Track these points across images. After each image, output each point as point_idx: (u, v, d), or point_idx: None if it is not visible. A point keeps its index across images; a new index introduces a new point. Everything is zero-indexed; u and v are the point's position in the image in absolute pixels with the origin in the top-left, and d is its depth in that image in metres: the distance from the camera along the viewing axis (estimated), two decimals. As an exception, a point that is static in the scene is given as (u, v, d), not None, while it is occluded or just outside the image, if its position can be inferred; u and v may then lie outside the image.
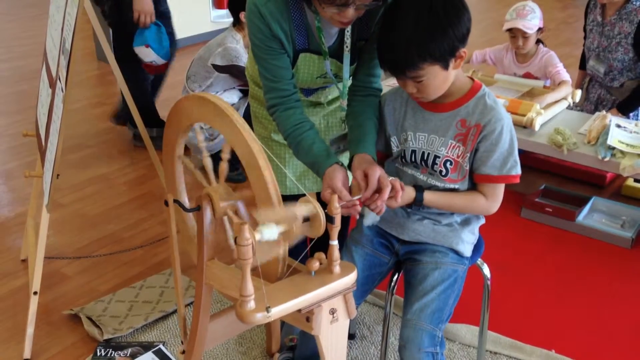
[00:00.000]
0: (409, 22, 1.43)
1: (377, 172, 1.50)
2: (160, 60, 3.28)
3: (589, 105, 3.17)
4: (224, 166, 1.56)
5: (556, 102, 2.95)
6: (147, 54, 3.24)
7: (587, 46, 3.12)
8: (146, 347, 2.11)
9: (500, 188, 1.60)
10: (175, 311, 2.28)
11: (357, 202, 1.50)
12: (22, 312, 2.27)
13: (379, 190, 1.49)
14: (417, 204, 1.57)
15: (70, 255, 2.66)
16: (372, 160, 1.56)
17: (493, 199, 1.60)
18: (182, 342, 1.78)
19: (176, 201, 1.62)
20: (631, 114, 3.01)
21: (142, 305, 2.32)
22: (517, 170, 1.57)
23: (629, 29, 2.85)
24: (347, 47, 1.64)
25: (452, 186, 1.60)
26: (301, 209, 1.32)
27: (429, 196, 1.58)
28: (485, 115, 1.54)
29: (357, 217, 1.56)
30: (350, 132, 1.67)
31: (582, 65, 3.29)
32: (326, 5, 1.45)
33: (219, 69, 3.10)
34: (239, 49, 3.08)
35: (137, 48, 3.24)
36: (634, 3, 2.84)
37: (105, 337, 2.13)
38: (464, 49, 1.48)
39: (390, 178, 1.52)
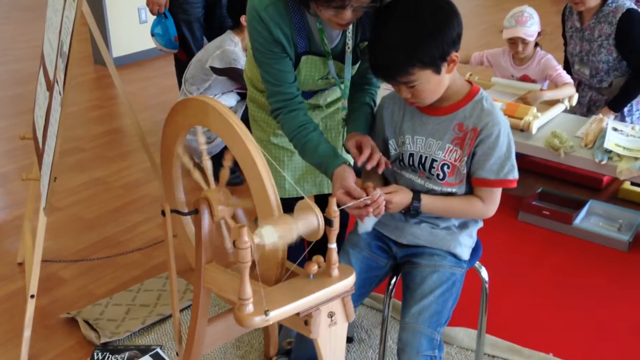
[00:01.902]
0: (396, 28, 1.44)
1: (370, 140, 1.60)
2: (167, 50, 3.49)
3: (581, 108, 3.18)
4: (225, 173, 1.56)
5: (553, 105, 2.97)
6: (154, 43, 3.48)
7: (569, 52, 3.15)
8: (143, 350, 2.10)
9: (497, 192, 1.60)
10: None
11: (368, 202, 1.50)
12: (18, 315, 2.26)
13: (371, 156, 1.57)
14: (414, 208, 1.57)
15: (67, 258, 2.65)
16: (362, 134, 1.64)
17: (490, 203, 1.60)
18: (177, 353, 1.78)
19: (174, 211, 1.61)
20: (627, 118, 3.02)
21: (140, 308, 2.31)
22: (515, 175, 1.57)
23: (608, 30, 2.87)
24: (348, 48, 1.65)
25: (449, 190, 1.60)
26: (301, 218, 1.32)
27: (426, 200, 1.58)
28: (482, 119, 1.54)
29: (365, 219, 1.57)
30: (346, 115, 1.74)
31: (567, 70, 3.30)
32: (323, 7, 1.46)
33: (217, 71, 3.10)
34: (237, 52, 3.08)
35: (151, 36, 3.49)
36: (610, 5, 2.87)
37: (103, 340, 2.12)
38: (456, 53, 1.48)
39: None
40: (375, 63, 1.52)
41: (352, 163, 1.63)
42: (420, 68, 1.44)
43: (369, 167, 1.56)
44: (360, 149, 1.57)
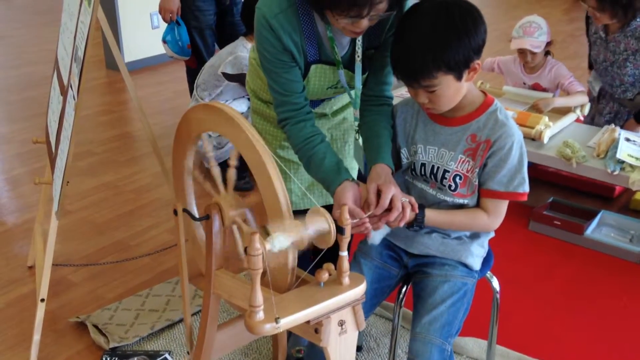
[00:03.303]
0: (425, 29, 1.43)
1: (392, 191, 1.47)
2: (179, 57, 3.51)
3: (601, 119, 3.14)
4: (231, 173, 1.55)
5: (565, 114, 2.95)
6: (166, 50, 3.49)
7: (592, 57, 3.10)
8: (152, 356, 2.10)
9: (504, 205, 1.58)
10: (181, 320, 2.28)
11: (368, 220, 1.48)
12: (28, 318, 2.27)
13: (388, 209, 1.48)
14: (418, 222, 1.55)
15: (77, 262, 2.66)
16: (389, 173, 1.54)
17: (495, 216, 1.58)
18: (187, 352, 1.78)
19: (185, 210, 1.61)
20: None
21: (149, 313, 2.31)
22: (525, 188, 1.55)
23: (636, 45, 2.82)
24: (358, 56, 1.63)
25: (460, 201, 1.59)
26: (312, 224, 1.32)
27: (430, 214, 1.56)
28: (496, 131, 1.53)
29: (369, 235, 1.54)
30: (367, 142, 1.65)
31: (591, 66, 3.26)
32: (340, 17, 1.45)
33: (229, 77, 3.11)
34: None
35: (162, 43, 3.50)
36: (638, 20, 2.82)
37: (111, 345, 2.13)
38: (478, 61, 1.47)
39: (403, 199, 1.49)
40: (400, 64, 1.50)
41: (355, 177, 1.61)
42: (444, 72, 1.43)
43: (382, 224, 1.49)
44: (378, 196, 1.49)
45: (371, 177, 1.54)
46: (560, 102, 2.99)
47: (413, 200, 1.52)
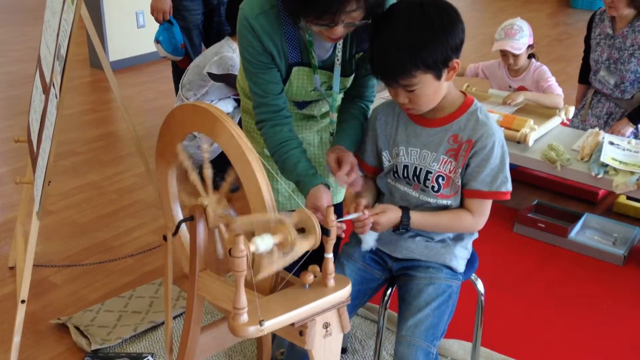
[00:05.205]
0: (402, 28, 1.43)
1: (351, 156, 1.57)
2: (172, 57, 3.47)
3: (595, 120, 3.16)
4: (226, 186, 1.54)
5: (550, 118, 2.97)
6: (159, 50, 3.45)
7: (594, 59, 3.10)
8: (134, 358, 2.08)
9: (488, 204, 1.58)
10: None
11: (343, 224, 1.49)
12: (8, 320, 2.23)
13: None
14: (404, 225, 1.55)
15: (58, 263, 2.63)
16: (345, 149, 1.61)
17: (479, 215, 1.58)
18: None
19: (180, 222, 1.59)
20: (629, 132, 3.01)
21: (131, 315, 2.29)
22: (508, 187, 1.56)
23: None
24: (338, 60, 1.63)
25: (444, 202, 1.59)
26: (290, 216, 1.31)
27: (415, 217, 1.56)
28: (477, 130, 1.53)
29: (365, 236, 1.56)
30: (337, 127, 1.72)
31: (582, 79, 3.28)
32: (313, 24, 1.46)
33: (214, 77, 3.09)
34: (235, 58, 3.07)
35: (155, 43, 3.46)
36: None
37: (93, 347, 2.10)
38: (457, 60, 1.47)
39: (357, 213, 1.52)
40: (378, 63, 1.50)
41: (331, 183, 1.62)
42: (422, 71, 1.43)
43: (344, 184, 1.55)
44: (339, 164, 1.56)
45: (328, 152, 1.61)
46: (530, 95, 3.02)
47: (362, 204, 1.54)
